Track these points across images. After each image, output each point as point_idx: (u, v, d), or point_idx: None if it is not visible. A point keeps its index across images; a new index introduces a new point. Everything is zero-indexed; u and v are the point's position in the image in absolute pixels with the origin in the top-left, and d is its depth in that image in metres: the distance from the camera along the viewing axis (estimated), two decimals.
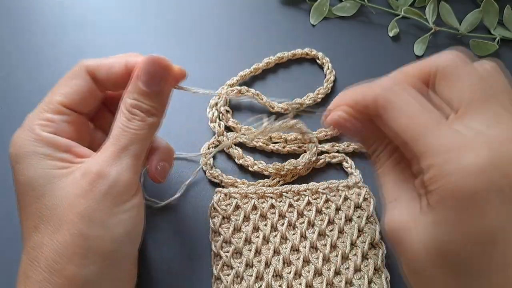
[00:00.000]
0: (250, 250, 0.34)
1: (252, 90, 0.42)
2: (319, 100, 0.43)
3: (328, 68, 0.44)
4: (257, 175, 0.40)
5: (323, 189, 0.37)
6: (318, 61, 0.45)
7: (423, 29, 0.47)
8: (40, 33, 0.48)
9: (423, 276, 0.23)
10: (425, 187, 0.23)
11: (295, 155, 0.40)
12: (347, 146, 0.40)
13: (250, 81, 0.44)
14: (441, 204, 0.21)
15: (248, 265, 0.34)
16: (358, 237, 0.35)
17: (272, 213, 0.36)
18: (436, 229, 0.22)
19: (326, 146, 0.40)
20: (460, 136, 0.22)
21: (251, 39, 0.47)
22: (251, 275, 0.33)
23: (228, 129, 0.41)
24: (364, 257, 0.34)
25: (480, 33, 0.46)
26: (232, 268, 0.34)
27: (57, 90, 0.29)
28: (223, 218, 0.35)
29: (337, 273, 0.33)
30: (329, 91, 0.43)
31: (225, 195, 0.36)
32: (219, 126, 0.40)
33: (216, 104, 0.42)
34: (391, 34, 0.47)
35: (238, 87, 0.42)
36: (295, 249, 0.34)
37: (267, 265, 0.34)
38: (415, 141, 0.23)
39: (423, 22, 0.46)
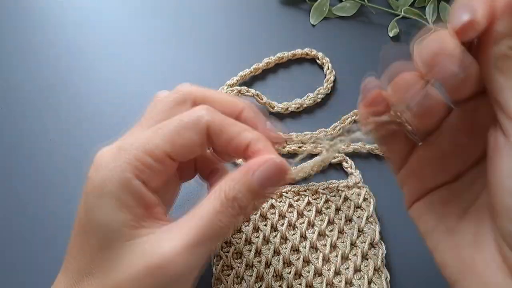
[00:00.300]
0: (250, 251, 0.34)
1: (252, 91, 0.42)
2: (319, 100, 0.43)
3: (328, 68, 0.44)
4: None
5: (323, 189, 0.37)
6: (318, 61, 0.45)
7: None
8: (40, 33, 0.48)
9: None
10: None
11: (295, 155, 0.40)
12: (347, 146, 0.40)
13: (250, 81, 0.44)
14: None
15: (248, 265, 0.34)
16: (358, 237, 0.34)
17: (272, 213, 0.36)
18: None
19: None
20: None
21: (251, 39, 0.47)
22: (251, 276, 0.33)
23: None
24: (364, 257, 0.34)
25: None
26: (232, 268, 0.34)
27: (169, 136, 0.25)
28: None
29: (337, 273, 0.33)
30: (329, 91, 0.43)
31: None
32: None
33: None
34: (391, 34, 0.47)
35: (238, 87, 0.42)
36: (295, 249, 0.34)
37: (267, 265, 0.34)
38: None
39: (423, 22, 0.46)
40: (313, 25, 0.48)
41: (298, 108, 0.42)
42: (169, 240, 0.23)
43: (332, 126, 0.41)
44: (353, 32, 0.48)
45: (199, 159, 0.31)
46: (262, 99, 0.42)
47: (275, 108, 0.42)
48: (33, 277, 0.35)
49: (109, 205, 0.23)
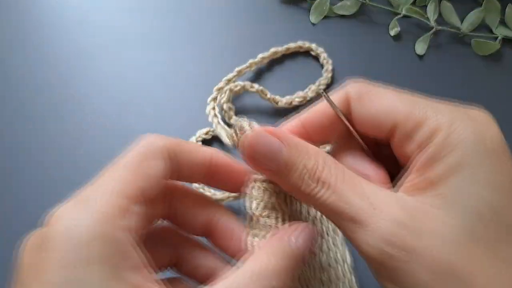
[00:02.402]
0: None
1: (256, 86, 0.41)
2: (321, 91, 0.42)
3: (324, 58, 0.44)
4: None
5: None
6: (312, 52, 0.45)
7: (424, 28, 0.46)
8: (40, 32, 0.48)
9: None
10: None
11: None
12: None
13: (247, 79, 0.44)
14: None
15: None
16: None
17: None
18: None
19: None
20: None
21: (251, 38, 0.47)
22: None
23: (229, 126, 0.41)
24: None
25: (482, 32, 0.46)
26: None
27: (135, 171, 0.22)
28: None
29: None
30: (330, 80, 0.43)
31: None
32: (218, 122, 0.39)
33: (215, 99, 0.40)
34: (392, 33, 0.47)
35: (241, 83, 0.41)
36: None
37: None
38: None
39: (424, 21, 0.46)
40: (314, 24, 0.48)
41: (301, 101, 0.42)
42: None
43: None
44: (353, 31, 0.47)
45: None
46: (266, 95, 0.41)
47: (279, 103, 0.41)
48: None
49: (101, 275, 0.18)
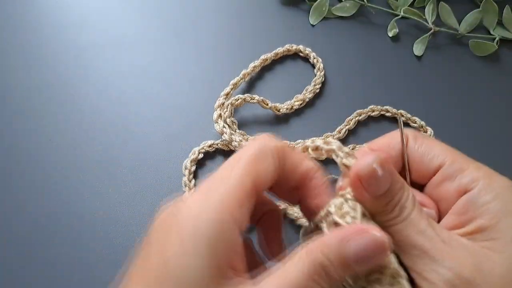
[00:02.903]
0: None
1: (257, 97, 0.41)
2: (317, 90, 0.43)
3: (313, 58, 0.44)
4: None
5: None
6: (301, 54, 0.45)
7: (422, 30, 0.47)
8: (39, 32, 0.48)
9: None
10: None
11: None
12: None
13: (241, 89, 0.44)
14: None
15: None
16: None
17: None
18: None
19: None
20: None
21: (250, 39, 0.47)
22: None
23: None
24: None
25: (480, 33, 0.46)
26: None
27: (250, 168, 0.22)
28: None
29: None
30: (323, 78, 0.44)
31: None
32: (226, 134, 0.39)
33: (221, 115, 0.40)
34: (390, 34, 0.47)
35: (242, 96, 0.41)
36: None
37: None
38: None
39: (423, 22, 0.46)
40: (313, 25, 0.48)
41: (301, 104, 0.42)
42: None
43: (337, 129, 0.41)
44: (352, 32, 0.48)
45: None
46: (267, 104, 0.42)
47: (281, 110, 0.42)
48: (33, 276, 0.35)
49: (198, 253, 0.20)
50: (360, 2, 0.48)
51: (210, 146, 0.40)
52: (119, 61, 0.46)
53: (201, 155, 0.40)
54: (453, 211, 0.24)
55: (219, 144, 0.40)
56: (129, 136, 0.41)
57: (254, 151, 0.23)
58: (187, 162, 0.39)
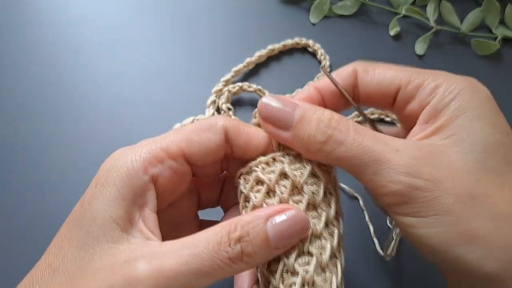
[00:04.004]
0: None
1: (254, 86, 0.41)
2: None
3: (321, 54, 0.44)
4: None
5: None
6: (309, 49, 0.45)
7: (424, 28, 0.46)
8: (38, 32, 0.48)
9: None
10: None
11: None
12: None
13: (244, 78, 0.44)
14: None
15: None
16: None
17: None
18: None
19: None
20: None
21: (251, 38, 0.47)
22: None
23: None
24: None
25: (481, 32, 0.46)
26: None
27: (186, 134, 0.25)
28: None
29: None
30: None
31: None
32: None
33: (215, 102, 0.41)
34: (392, 33, 0.47)
35: (239, 84, 0.41)
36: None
37: None
38: None
39: (424, 21, 0.46)
40: (313, 24, 0.48)
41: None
42: (151, 260, 0.20)
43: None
44: (353, 31, 0.47)
45: (225, 190, 0.30)
46: (264, 94, 0.41)
47: None
48: None
49: (107, 195, 0.22)
50: (361, 0, 0.47)
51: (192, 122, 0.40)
52: (117, 60, 0.46)
53: None
54: (418, 123, 0.25)
55: None
56: (127, 134, 0.41)
57: (195, 126, 0.25)
58: None
